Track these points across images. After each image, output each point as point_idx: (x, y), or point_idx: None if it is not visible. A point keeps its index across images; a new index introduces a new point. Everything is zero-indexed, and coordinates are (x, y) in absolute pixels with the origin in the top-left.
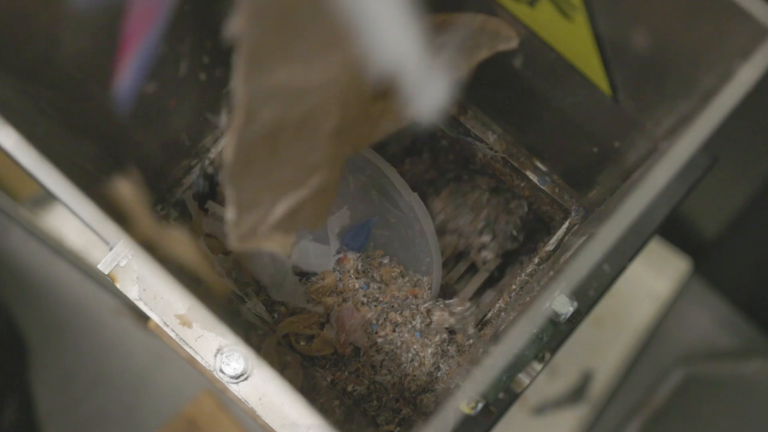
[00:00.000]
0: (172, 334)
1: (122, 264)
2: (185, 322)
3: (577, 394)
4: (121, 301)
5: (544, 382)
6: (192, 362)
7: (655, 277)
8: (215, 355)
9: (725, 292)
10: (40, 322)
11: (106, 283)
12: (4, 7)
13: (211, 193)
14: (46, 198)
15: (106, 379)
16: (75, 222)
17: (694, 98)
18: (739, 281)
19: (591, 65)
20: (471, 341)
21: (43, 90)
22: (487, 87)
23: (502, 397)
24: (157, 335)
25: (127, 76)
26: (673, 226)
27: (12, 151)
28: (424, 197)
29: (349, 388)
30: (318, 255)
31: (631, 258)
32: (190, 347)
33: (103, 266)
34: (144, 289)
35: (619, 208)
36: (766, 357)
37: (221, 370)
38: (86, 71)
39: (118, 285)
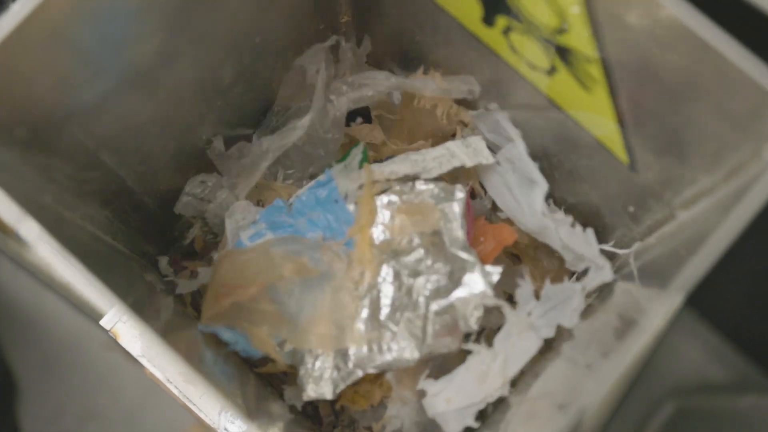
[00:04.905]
0: (176, 392)
1: (124, 320)
2: (188, 380)
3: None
4: (111, 336)
5: None
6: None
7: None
8: (219, 413)
9: (716, 324)
10: (29, 356)
11: (96, 317)
12: (19, 85)
13: None
14: None
15: (96, 413)
16: None
17: (718, 174)
18: (730, 314)
19: (608, 135)
20: None
21: (55, 160)
22: None
23: None
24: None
25: None
26: None
27: (35, 243)
28: None
29: None
30: None
31: None
32: (194, 404)
33: (106, 323)
34: (147, 346)
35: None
36: (760, 392)
37: (226, 429)
38: (99, 140)
39: (120, 341)
